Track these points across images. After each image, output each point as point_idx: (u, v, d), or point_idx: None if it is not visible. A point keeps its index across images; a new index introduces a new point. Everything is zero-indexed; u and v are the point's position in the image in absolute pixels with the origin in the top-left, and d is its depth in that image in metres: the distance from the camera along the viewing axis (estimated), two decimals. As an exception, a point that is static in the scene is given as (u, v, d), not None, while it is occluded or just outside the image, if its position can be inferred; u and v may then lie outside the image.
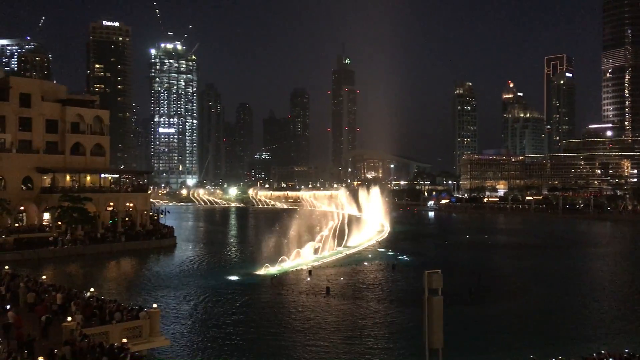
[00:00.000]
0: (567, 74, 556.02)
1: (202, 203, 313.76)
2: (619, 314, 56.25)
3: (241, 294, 63.86)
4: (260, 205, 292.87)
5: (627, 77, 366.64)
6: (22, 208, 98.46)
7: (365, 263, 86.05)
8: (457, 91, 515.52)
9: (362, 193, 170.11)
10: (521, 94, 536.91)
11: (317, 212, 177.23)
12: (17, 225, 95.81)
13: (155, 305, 37.30)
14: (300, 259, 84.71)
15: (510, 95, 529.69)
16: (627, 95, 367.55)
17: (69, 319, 31.60)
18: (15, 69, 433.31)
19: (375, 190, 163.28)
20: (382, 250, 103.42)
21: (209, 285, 68.97)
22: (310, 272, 76.71)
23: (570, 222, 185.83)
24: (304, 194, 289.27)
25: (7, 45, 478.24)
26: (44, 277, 50.42)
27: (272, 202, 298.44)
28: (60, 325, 31.14)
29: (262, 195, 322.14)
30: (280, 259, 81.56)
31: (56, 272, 75.37)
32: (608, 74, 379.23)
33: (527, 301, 62.43)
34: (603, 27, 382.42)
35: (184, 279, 72.84)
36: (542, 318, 53.89)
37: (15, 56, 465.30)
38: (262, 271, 76.13)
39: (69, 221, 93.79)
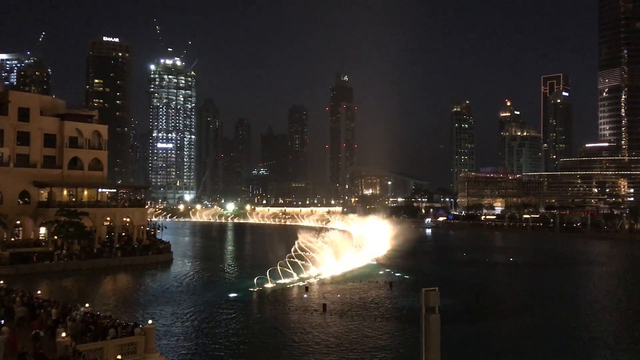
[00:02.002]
0: (564, 93, 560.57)
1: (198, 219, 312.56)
2: (619, 334, 55.93)
3: (237, 310, 63.53)
4: (258, 221, 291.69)
5: (623, 96, 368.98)
6: (18, 222, 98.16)
7: (363, 280, 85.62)
8: (455, 109, 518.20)
9: (359, 210, 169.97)
10: (518, 113, 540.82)
11: (315, 228, 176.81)
12: (12, 239, 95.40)
13: (150, 322, 37.03)
14: (297, 275, 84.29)
15: (508, 114, 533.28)
16: (624, 114, 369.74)
17: (63, 334, 31.33)
18: (15, 83, 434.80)
19: (373, 207, 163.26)
20: (380, 267, 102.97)
21: (205, 301, 68.59)
22: (307, 288, 76.45)
23: (567, 241, 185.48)
24: (301, 210, 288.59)
25: (7, 59, 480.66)
26: (39, 292, 50.12)
27: (269, 219, 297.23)
28: (54, 341, 30.84)
29: (260, 212, 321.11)
30: (277, 275, 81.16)
31: (52, 287, 74.93)
32: (604, 94, 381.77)
33: (526, 320, 62.07)
34: (599, 47, 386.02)
35: (180, 295, 72.43)
36: (541, 337, 53.56)
37: (15, 71, 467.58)
38: (258, 287, 75.75)
39: (65, 236, 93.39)
